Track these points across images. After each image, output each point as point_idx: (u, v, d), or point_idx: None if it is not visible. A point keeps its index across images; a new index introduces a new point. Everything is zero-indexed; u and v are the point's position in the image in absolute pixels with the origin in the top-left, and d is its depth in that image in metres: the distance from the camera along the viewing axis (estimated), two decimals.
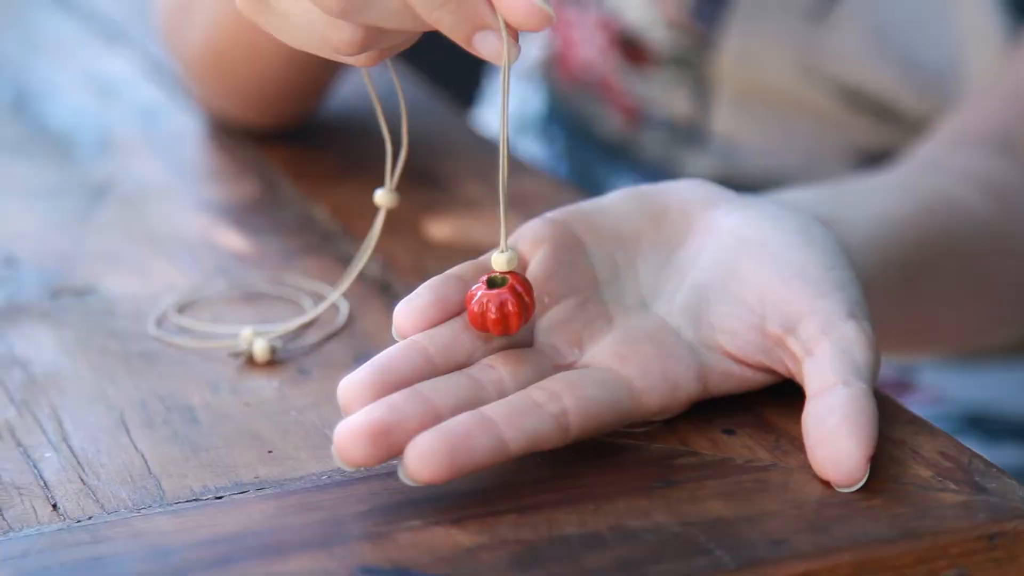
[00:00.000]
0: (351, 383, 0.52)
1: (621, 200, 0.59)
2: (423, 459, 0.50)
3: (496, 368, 0.54)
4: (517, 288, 0.53)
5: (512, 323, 0.53)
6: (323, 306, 0.65)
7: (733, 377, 0.56)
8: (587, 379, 0.54)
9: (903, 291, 0.68)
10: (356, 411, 0.51)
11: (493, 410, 0.52)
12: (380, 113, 0.59)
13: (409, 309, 0.54)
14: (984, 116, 0.79)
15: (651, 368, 0.55)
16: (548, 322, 0.56)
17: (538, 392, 0.53)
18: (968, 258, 0.73)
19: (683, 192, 0.59)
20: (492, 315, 0.53)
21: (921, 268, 0.69)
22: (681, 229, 0.58)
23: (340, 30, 0.52)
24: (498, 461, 0.51)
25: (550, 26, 0.51)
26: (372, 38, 0.53)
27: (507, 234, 0.54)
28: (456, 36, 0.51)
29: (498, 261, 0.54)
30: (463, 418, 0.51)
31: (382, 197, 0.59)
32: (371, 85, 0.58)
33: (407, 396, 0.51)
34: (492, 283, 0.54)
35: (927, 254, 0.69)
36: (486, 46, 0.51)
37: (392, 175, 0.59)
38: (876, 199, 0.68)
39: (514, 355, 0.54)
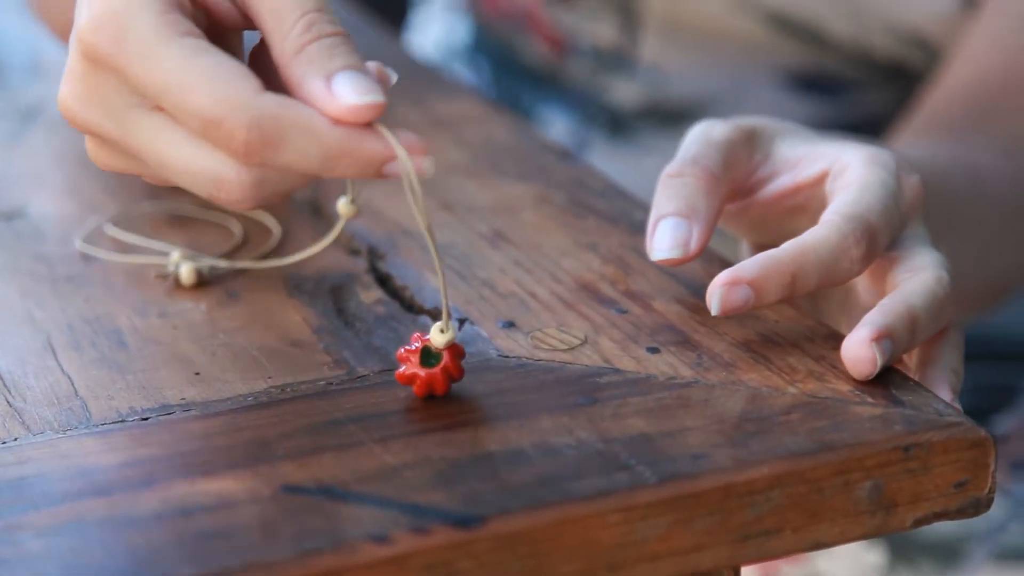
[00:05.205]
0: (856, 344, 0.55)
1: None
2: None
3: None
4: (448, 370, 0.54)
5: (438, 392, 0.54)
6: (287, 259, 0.65)
7: None
8: None
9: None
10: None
11: None
12: None
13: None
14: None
15: None
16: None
17: None
18: None
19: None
20: (423, 390, 0.54)
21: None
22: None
23: (239, 174, 0.51)
24: None
25: (380, 114, 0.51)
26: (272, 182, 0.52)
27: (448, 316, 0.54)
28: (367, 178, 0.52)
29: (438, 339, 0.54)
30: None
31: (345, 207, 0.58)
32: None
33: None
34: (427, 356, 0.54)
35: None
36: (395, 173, 0.52)
37: (354, 184, 0.58)
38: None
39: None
